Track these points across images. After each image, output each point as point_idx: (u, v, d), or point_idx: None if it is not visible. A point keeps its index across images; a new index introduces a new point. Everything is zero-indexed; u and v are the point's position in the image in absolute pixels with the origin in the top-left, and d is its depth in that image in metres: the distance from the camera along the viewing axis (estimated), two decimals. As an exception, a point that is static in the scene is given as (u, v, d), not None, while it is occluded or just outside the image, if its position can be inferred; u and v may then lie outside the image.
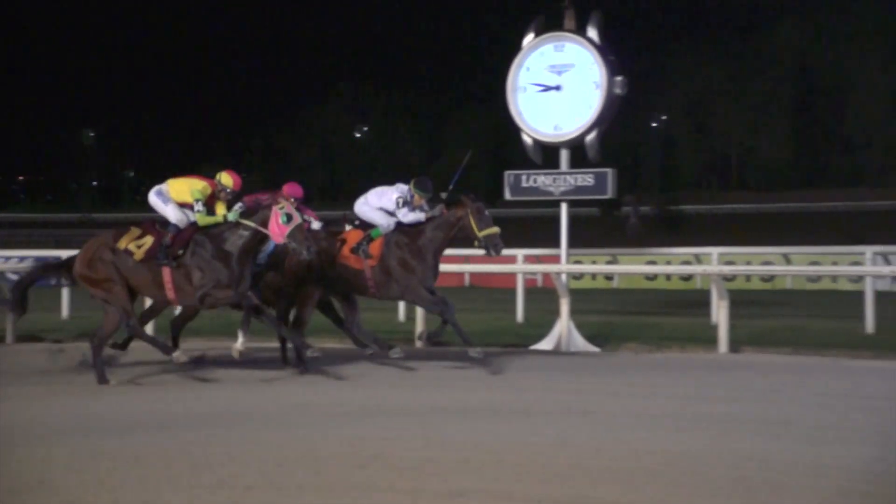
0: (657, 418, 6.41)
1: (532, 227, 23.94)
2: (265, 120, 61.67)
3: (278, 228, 7.98)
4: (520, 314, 13.11)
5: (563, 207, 10.97)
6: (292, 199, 8.55)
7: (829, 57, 47.56)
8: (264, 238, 8.13)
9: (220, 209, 8.40)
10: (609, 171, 10.80)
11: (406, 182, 8.89)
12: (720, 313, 10.35)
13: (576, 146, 10.93)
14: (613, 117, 10.92)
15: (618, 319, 12.92)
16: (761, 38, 48.58)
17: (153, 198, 8.51)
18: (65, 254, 11.53)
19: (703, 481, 4.82)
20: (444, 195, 9.09)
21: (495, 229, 8.69)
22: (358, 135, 59.41)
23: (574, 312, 10.65)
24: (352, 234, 8.86)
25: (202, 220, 8.25)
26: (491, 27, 47.56)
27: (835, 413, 6.62)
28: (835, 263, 17.55)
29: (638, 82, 16.91)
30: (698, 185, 53.47)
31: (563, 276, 10.83)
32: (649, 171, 51.57)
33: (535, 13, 11.11)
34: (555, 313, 10.59)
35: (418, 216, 8.79)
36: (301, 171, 59.16)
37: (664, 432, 5.91)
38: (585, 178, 10.87)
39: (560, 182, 10.94)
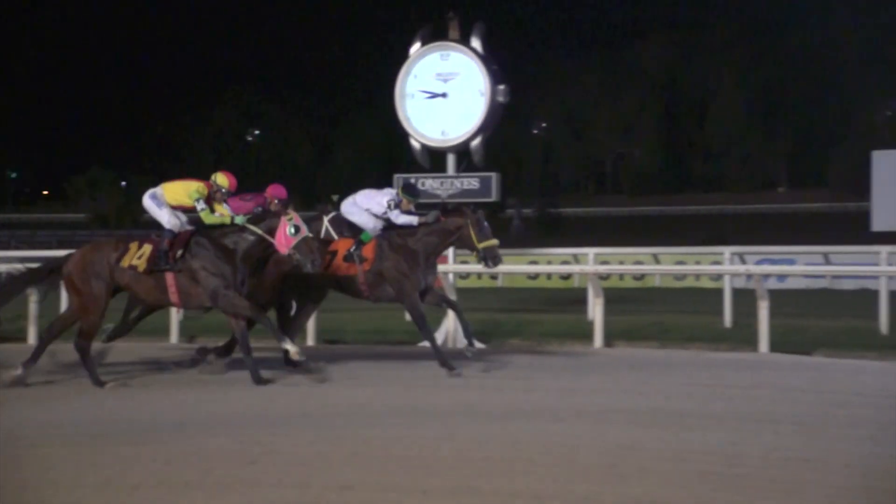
0: (537, 411, 6.50)
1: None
2: (156, 121, 59.89)
3: (285, 239, 7.65)
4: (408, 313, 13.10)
5: (447, 210, 11.11)
6: (276, 200, 8.32)
7: (692, 72, 49.35)
8: (268, 246, 7.78)
9: (220, 210, 8.07)
10: (493, 175, 10.94)
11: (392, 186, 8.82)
12: (596, 310, 10.60)
13: (462, 151, 11.04)
14: (497, 124, 11.07)
15: (502, 317, 13.05)
16: (633, 52, 50.05)
17: (147, 201, 8.10)
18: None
19: (579, 468, 4.92)
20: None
21: (494, 241, 8.43)
22: (249, 138, 58.39)
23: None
24: (342, 244, 8.54)
25: (207, 218, 7.92)
26: (381, 34, 47.50)
27: (697, 402, 6.84)
28: (698, 263, 18.24)
29: (520, 91, 17.15)
30: (576, 188, 54.69)
31: (451, 276, 10.89)
32: (531, 175, 52.41)
33: (423, 22, 11.18)
34: (442, 311, 10.64)
35: (410, 219, 8.52)
36: (192, 173, 57.85)
37: (543, 423, 6.00)
38: (471, 182, 10.99)
39: (447, 185, 11.03)
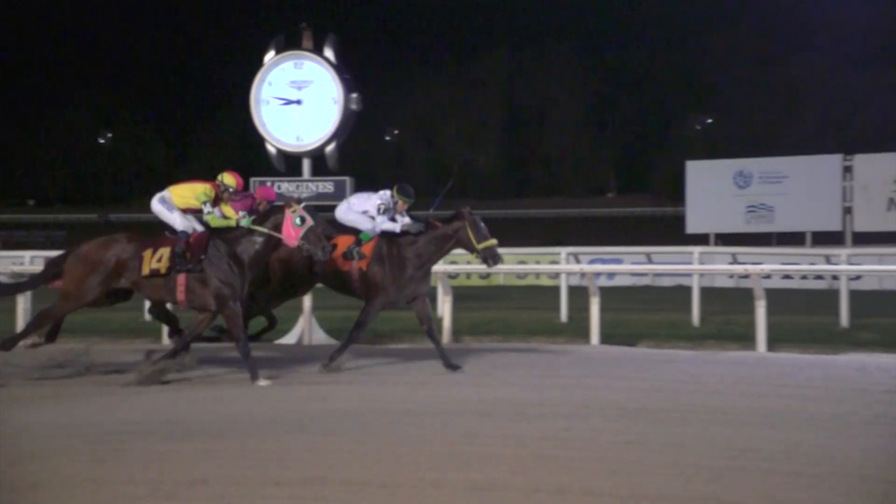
0: (389, 404, 6.54)
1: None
2: (3, 122, 56.07)
3: (293, 231, 7.38)
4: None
5: (305, 212, 10.98)
6: (265, 202, 7.99)
7: (532, 85, 50.82)
8: (278, 243, 7.51)
9: (227, 211, 7.72)
10: (347, 179, 10.89)
11: (387, 188, 8.39)
12: (445, 307, 10.74)
13: (317, 156, 10.94)
14: (351, 130, 11.03)
15: (356, 314, 13.00)
16: (477, 66, 51.03)
17: (157, 206, 7.77)
18: None
19: (425, 458, 4.95)
20: (432, 209, 8.64)
21: (493, 241, 8.29)
22: (102, 140, 55.64)
23: (316, 308, 10.62)
24: (342, 239, 8.19)
25: (213, 221, 7.66)
26: (237, 38, 46.34)
27: (536, 392, 7.05)
28: (537, 262, 18.80)
29: (372, 100, 17.17)
30: (427, 193, 55.06)
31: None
32: (383, 180, 52.43)
33: (278, 29, 11.02)
34: (298, 309, 10.50)
35: (394, 226, 8.22)
36: (43, 175, 54.62)
37: (396, 416, 6.05)
38: (326, 186, 10.92)
39: (303, 189, 10.91)
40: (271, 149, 10.97)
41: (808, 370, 8.10)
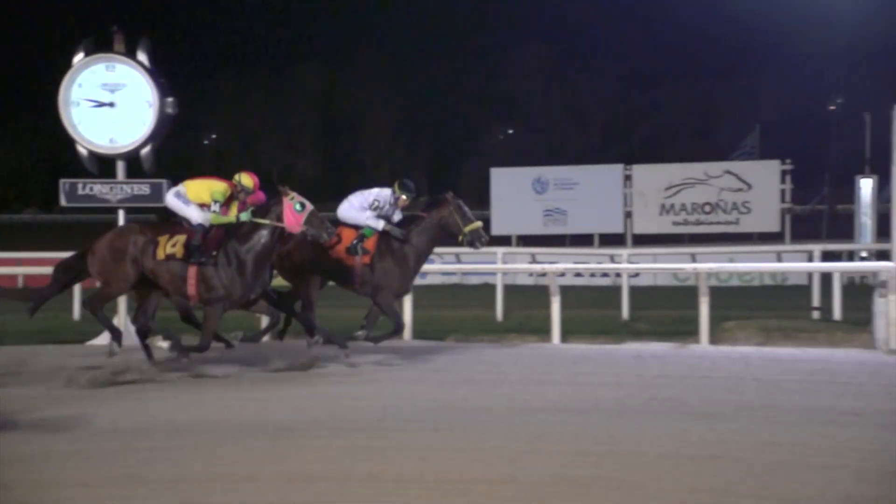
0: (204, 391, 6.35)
1: (93, 232, 22.21)
2: None
3: (294, 218, 7.14)
4: (76, 312, 12.04)
5: (121, 214, 10.38)
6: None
7: (347, 93, 50.88)
8: (283, 232, 7.29)
9: (233, 210, 7.57)
10: (164, 182, 10.39)
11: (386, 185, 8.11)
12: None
13: (132, 158, 10.40)
14: (166, 133, 10.57)
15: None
16: (295, 72, 50.43)
17: (172, 200, 7.64)
18: None
19: (241, 450, 4.88)
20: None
21: (478, 223, 8.18)
22: None
23: (131, 309, 10.08)
24: (346, 233, 7.83)
25: (216, 219, 7.47)
26: (43, 39, 43.09)
27: (350, 387, 7.04)
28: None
29: (191, 105, 16.51)
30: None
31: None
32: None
33: (87, 32, 10.36)
34: (113, 310, 9.93)
35: (377, 223, 7.91)
36: None
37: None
38: (142, 188, 10.42)
39: (117, 191, 10.39)
40: (83, 150, 10.32)
41: (594, 359, 8.57)
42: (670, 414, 5.89)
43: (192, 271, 7.29)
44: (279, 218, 7.30)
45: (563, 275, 12.63)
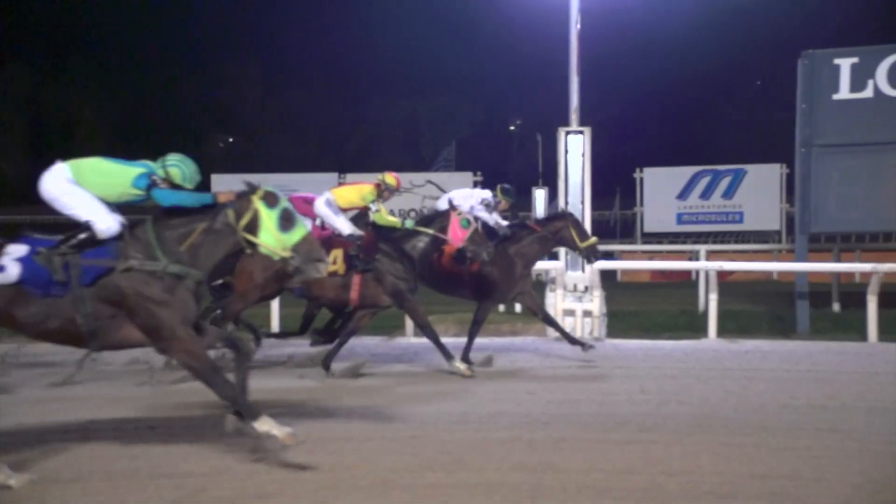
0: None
1: None
2: None
3: (460, 233, 7.32)
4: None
5: None
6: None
7: (56, 96, 48.05)
8: (442, 243, 7.47)
9: (384, 211, 7.70)
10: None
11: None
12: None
13: None
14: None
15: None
16: (1, 73, 46.61)
17: (323, 208, 7.56)
18: None
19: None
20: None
21: (594, 239, 8.28)
22: None
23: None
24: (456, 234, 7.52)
25: (381, 220, 7.57)
26: None
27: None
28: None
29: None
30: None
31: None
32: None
33: None
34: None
35: (489, 217, 8.37)
36: None
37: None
38: None
39: None
40: None
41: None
42: None
43: (356, 278, 7.34)
44: (443, 230, 7.43)
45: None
